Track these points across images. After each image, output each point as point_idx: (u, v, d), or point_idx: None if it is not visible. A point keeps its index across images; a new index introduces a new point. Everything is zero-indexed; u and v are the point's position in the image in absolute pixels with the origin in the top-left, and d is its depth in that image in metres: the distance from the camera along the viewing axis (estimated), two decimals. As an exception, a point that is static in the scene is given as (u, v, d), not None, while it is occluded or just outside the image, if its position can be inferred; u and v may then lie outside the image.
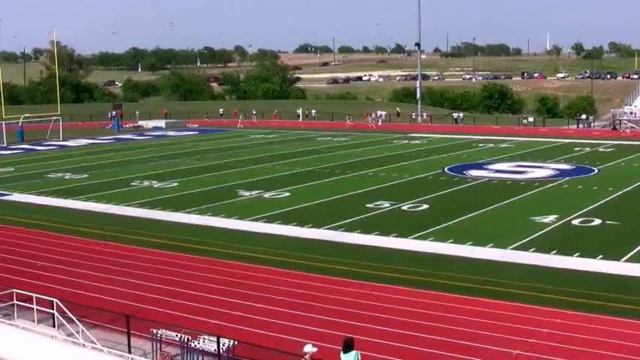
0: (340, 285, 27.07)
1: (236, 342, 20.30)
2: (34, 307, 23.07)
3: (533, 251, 31.09)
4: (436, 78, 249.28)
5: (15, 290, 24.47)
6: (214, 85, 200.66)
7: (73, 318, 22.22)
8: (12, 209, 43.94)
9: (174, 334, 21.13)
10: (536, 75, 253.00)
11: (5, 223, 39.87)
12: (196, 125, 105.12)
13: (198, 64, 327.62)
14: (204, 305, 25.26)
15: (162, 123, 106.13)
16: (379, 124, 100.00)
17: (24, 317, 23.46)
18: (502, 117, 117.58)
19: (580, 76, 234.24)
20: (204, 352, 20.47)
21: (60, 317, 22.57)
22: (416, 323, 22.76)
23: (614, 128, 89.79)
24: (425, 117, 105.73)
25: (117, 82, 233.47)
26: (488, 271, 28.46)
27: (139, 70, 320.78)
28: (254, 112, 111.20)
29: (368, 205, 41.65)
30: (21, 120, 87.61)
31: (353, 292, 26.23)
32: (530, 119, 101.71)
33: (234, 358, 20.09)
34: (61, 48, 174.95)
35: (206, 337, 20.76)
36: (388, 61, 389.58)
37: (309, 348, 17.43)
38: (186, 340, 20.74)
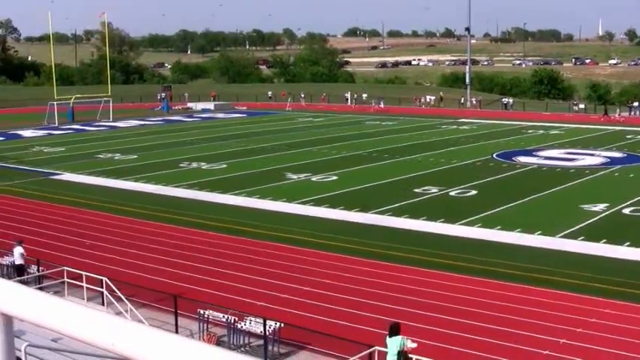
0: (387, 269, 27.05)
1: (282, 324, 20.40)
2: (84, 285, 23.37)
3: (582, 240, 30.78)
4: (486, 63, 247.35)
5: (65, 268, 24.81)
6: (263, 67, 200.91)
7: (122, 296, 22.48)
8: (62, 188, 44.43)
9: (220, 314, 21.28)
10: (587, 61, 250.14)
11: (56, 202, 40.34)
12: (245, 108, 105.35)
13: (247, 46, 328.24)
14: (250, 287, 25.38)
15: (210, 105, 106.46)
16: (427, 107, 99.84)
17: (74, 295, 23.76)
18: (552, 103, 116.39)
19: (633, 63, 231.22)
20: (250, 334, 20.61)
21: (109, 295, 22.83)
22: (462, 310, 22.68)
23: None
24: (474, 102, 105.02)
25: (166, 64, 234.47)
26: (536, 258, 28.25)
27: (189, 52, 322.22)
28: (302, 95, 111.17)
29: (416, 190, 41.51)
30: (72, 101, 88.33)
31: (400, 276, 26.20)
32: (582, 106, 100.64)
33: (280, 340, 20.19)
34: (111, 30, 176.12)
35: (252, 318, 20.88)
36: (437, 45, 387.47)
37: (408, 343, 17.20)
38: (232, 321, 20.88)
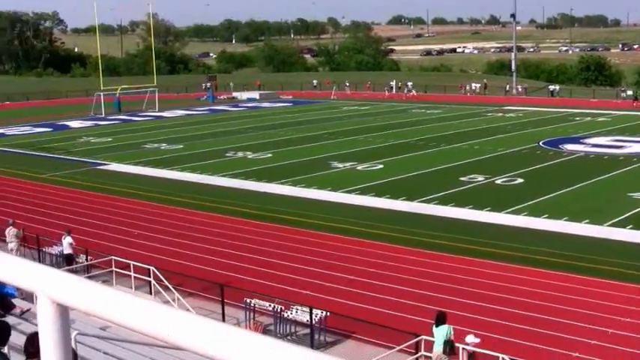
0: (433, 258, 26.99)
1: (328, 313, 20.44)
2: (132, 274, 23.59)
3: (631, 228, 30.44)
4: (531, 50, 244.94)
5: (113, 257, 25.06)
6: (307, 56, 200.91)
7: (169, 286, 22.67)
8: (110, 178, 44.84)
9: (267, 304, 21.38)
10: (635, 47, 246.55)
11: (103, 192, 40.71)
12: (290, 97, 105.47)
13: (292, 35, 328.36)
14: (296, 276, 25.46)
15: (256, 94, 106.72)
16: (471, 95, 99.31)
17: (122, 284, 24.00)
18: (600, 90, 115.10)
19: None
20: (296, 323, 20.68)
21: (156, 285, 23.03)
22: (507, 298, 22.58)
23: None
24: (520, 89, 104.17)
25: (211, 54, 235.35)
26: (583, 247, 28.02)
27: (233, 41, 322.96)
28: (347, 84, 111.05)
29: (462, 179, 41.31)
30: (118, 91, 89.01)
31: (445, 265, 26.13)
32: (630, 92, 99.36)
33: (326, 328, 20.25)
34: (157, 20, 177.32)
35: (299, 307, 20.95)
36: (482, 32, 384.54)
37: (471, 339, 17.10)
38: (279, 310, 20.96)
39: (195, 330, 1.31)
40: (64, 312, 1.59)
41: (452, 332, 17.54)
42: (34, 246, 28.60)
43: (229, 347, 1.28)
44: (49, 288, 1.57)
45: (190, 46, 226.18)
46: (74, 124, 76.88)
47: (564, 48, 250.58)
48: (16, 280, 1.69)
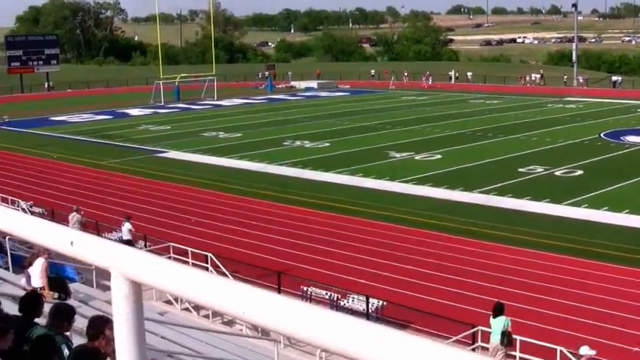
0: (490, 249, 26.85)
1: (385, 302, 20.45)
2: (190, 260, 23.81)
3: (694, 221, 29.99)
4: (593, 40, 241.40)
5: (171, 244, 25.32)
6: (366, 46, 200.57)
7: (226, 272, 22.83)
8: (168, 166, 45.23)
9: (323, 292, 21.46)
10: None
11: (162, 180, 41.11)
12: (348, 86, 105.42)
13: (350, 25, 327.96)
14: (353, 265, 25.49)
15: (314, 84, 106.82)
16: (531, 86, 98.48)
17: (180, 271, 24.21)
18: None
19: None
20: (352, 311, 20.69)
21: (213, 271, 23.17)
22: (565, 290, 22.38)
23: None
24: (581, 80, 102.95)
25: (270, 43, 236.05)
26: (645, 240, 27.66)
27: (292, 31, 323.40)
28: (406, 74, 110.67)
29: (520, 170, 40.97)
30: (177, 80, 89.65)
31: (504, 256, 25.98)
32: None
33: (382, 317, 20.25)
34: (217, 9, 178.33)
35: (355, 296, 20.99)
36: (543, 22, 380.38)
37: (585, 350, 16.84)
38: (335, 299, 21.03)
39: (272, 308, 1.33)
40: (137, 289, 1.62)
41: (509, 323, 17.44)
42: (94, 231, 28.99)
43: (305, 325, 1.30)
44: (123, 265, 1.61)
45: (249, 35, 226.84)
46: (134, 112, 77.63)
47: (627, 38, 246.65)
48: (92, 258, 1.72)
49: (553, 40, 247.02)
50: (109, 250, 1.68)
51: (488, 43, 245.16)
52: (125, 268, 1.61)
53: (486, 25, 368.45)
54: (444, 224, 30.17)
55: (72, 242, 1.75)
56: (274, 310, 1.36)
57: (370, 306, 20.27)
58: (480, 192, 35.89)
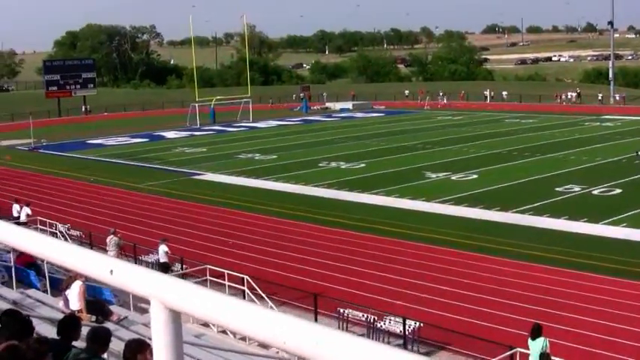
0: (527, 269, 26.64)
1: (422, 324, 20.34)
2: (226, 283, 23.83)
3: None
4: (630, 57, 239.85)
5: (208, 266, 25.38)
6: (401, 66, 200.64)
7: (262, 295, 22.84)
8: (204, 188, 45.42)
9: (360, 313, 21.39)
10: None
11: (198, 202, 41.26)
12: (383, 107, 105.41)
13: (385, 45, 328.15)
14: (389, 286, 25.40)
15: (349, 104, 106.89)
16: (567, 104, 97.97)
17: (216, 293, 24.23)
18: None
19: None
20: (389, 333, 20.63)
21: (250, 294, 23.20)
22: (606, 311, 22.15)
23: None
24: (617, 98, 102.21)
25: (304, 65, 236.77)
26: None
27: (326, 52, 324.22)
28: (440, 94, 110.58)
29: (557, 189, 40.68)
30: (213, 102, 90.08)
31: (541, 277, 25.76)
32: None
33: (419, 339, 20.14)
34: (251, 32, 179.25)
35: (392, 317, 20.90)
36: (578, 40, 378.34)
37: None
38: (372, 321, 20.95)
39: (313, 338, 1.32)
40: (176, 317, 1.63)
41: (548, 345, 17.27)
42: (131, 254, 29.13)
43: (347, 356, 1.29)
44: (162, 294, 1.61)
45: (284, 57, 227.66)
46: (170, 134, 78.14)
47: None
48: (131, 286, 1.73)
49: (589, 58, 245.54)
50: (149, 279, 1.68)
51: (523, 61, 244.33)
52: (164, 297, 1.62)
53: (521, 43, 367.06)
54: (480, 244, 30.00)
55: (111, 271, 1.75)
56: (315, 341, 1.35)
57: (407, 327, 20.17)
58: (516, 212, 35.67)
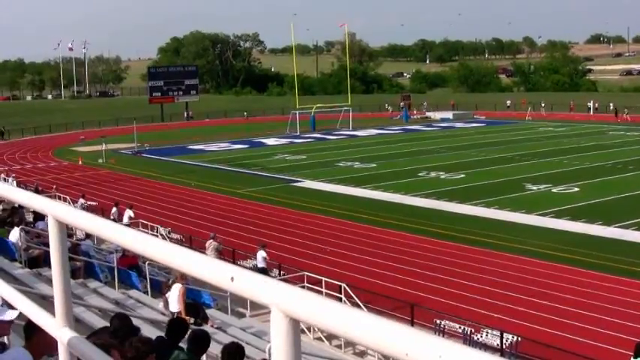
0: (631, 286, 26.05)
1: (520, 338, 20.09)
2: (323, 290, 23.91)
3: None
4: None
5: (305, 273, 25.51)
6: (502, 76, 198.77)
7: (359, 303, 22.84)
8: (304, 195, 45.67)
9: (457, 325, 21.22)
10: None
11: (297, 209, 41.52)
12: (483, 117, 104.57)
13: (486, 55, 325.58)
14: (487, 298, 25.15)
15: (449, 114, 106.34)
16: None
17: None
18: None
19: None
20: (486, 346, 20.41)
21: (347, 302, 23.21)
22: None
23: None
24: None
25: (405, 74, 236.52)
26: None
27: (427, 61, 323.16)
28: (543, 105, 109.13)
29: (662, 204, 39.74)
30: (313, 110, 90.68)
31: (644, 294, 25.18)
32: None
33: (517, 354, 19.89)
34: (352, 40, 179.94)
35: (489, 330, 20.69)
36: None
37: None
38: (468, 333, 20.77)
39: (438, 352, 1.33)
40: (296, 326, 1.66)
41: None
42: (229, 259, 29.46)
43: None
44: (283, 303, 1.64)
45: (384, 65, 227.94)
46: (270, 141, 78.95)
47: None
48: (252, 294, 1.77)
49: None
50: (269, 287, 1.72)
51: (629, 72, 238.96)
52: (285, 306, 1.65)
53: (627, 54, 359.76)
54: (581, 259, 29.47)
55: (232, 278, 1.80)
56: (439, 354, 1.36)
57: (505, 341, 19.93)
58: (619, 226, 34.93)
